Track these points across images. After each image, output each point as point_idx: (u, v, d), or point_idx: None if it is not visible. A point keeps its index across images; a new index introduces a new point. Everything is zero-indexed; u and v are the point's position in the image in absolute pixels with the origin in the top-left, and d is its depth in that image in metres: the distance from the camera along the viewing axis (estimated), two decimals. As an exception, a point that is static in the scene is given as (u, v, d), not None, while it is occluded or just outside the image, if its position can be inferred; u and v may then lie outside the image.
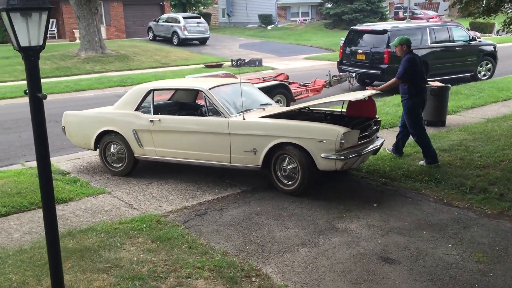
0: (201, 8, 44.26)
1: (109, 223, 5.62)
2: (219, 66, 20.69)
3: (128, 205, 6.31)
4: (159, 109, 7.45)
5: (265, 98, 7.55)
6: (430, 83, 10.44)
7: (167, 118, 7.00)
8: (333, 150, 5.91)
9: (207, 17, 42.18)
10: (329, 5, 38.90)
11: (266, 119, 6.47)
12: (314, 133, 6.02)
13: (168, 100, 8.31)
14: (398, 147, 7.70)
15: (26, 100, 11.26)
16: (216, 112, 6.65)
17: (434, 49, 14.37)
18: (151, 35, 30.60)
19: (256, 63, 21.15)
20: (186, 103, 8.24)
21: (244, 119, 6.41)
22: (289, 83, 12.90)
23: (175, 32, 28.31)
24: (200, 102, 8.26)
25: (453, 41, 14.85)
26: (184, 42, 28.19)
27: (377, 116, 6.97)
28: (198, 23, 28.70)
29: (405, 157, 7.72)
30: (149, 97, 7.20)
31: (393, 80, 7.21)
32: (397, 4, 45.47)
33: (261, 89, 11.26)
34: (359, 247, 5.01)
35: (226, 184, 6.96)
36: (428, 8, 45.48)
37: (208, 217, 5.85)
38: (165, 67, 21.29)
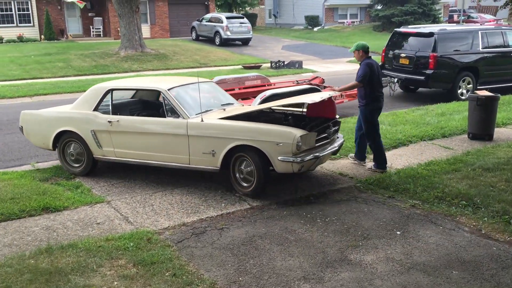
0: (248, 8, 43.80)
1: (95, 239, 5.07)
2: (257, 67, 20.07)
3: (124, 218, 5.75)
4: (118, 109, 7.20)
5: (227, 98, 7.43)
6: (477, 92, 9.41)
7: (126, 119, 6.85)
8: (290, 152, 5.86)
9: (253, 18, 41.76)
10: (379, 7, 37.53)
11: (224, 120, 6.33)
12: (271, 135, 5.95)
13: (122, 100, 7.91)
14: (360, 152, 7.58)
15: (55, 98, 10.98)
16: (175, 113, 6.51)
17: (485, 55, 13.15)
18: (194, 34, 30.38)
19: (296, 65, 20.40)
20: (146, 102, 8.01)
21: (202, 120, 6.30)
22: (324, 87, 12.13)
23: (217, 32, 27.94)
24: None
25: (508, 46, 13.57)
26: (226, 42, 27.76)
27: (337, 117, 6.94)
28: (241, 23, 28.21)
29: (442, 175, 6.81)
30: (108, 97, 7.01)
31: (353, 82, 7.15)
32: (452, 7, 43.49)
33: (290, 93, 10.59)
34: (372, 286, 4.22)
35: (235, 198, 6.30)
36: (486, 11, 43.20)
37: (205, 237, 5.20)
38: (203, 67, 20.87)
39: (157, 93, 7.72)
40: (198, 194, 6.45)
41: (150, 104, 7.98)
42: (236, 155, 6.21)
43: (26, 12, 29.35)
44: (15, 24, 29.10)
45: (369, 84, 7.00)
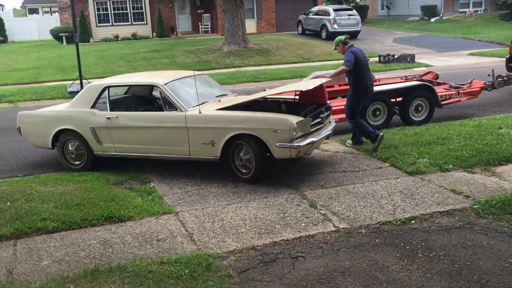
0: (358, 0, 41.86)
1: (148, 262, 4.39)
2: (364, 62, 18.64)
3: (188, 234, 5.03)
4: (116, 105, 7.36)
5: (221, 89, 7.64)
6: None
7: (124, 115, 7.00)
8: (288, 139, 6.03)
9: (364, 10, 39.79)
10: (507, -7, 33.64)
11: (222, 111, 6.48)
12: (269, 123, 6.11)
13: (118, 96, 8.09)
14: (355, 137, 7.82)
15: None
16: (172, 107, 6.62)
17: None
18: (300, 29, 29.46)
19: (407, 59, 18.62)
20: (142, 97, 8.19)
21: (200, 112, 6.44)
22: (438, 84, 10.58)
23: (324, 26, 26.74)
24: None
25: None
26: (333, 36, 26.21)
27: (328, 102, 7.16)
28: (349, 15, 26.71)
29: None
30: (105, 94, 7.13)
31: (341, 68, 7.29)
32: None
33: (396, 90, 9.27)
34: None
35: (319, 216, 5.31)
36: None
37: (275, 267, 4.29)
38: (306, 62, 19.89)
39: (154, 88, 7.69)
40: (277, 209, 5.55)
41: (147, 99, 8.19)
42: (235, 143, 6.33)
43: (140, 11, 30.52)
44: (129, 23, 30.39)
45: (354, 71, 7.18)
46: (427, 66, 17.52)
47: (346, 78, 7.76)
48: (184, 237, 4.98)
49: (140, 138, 6.87)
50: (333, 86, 10.88)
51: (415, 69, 16.98)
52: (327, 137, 6.95)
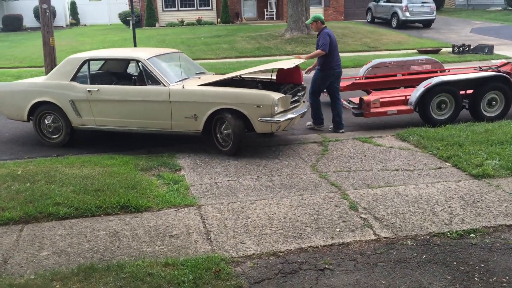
0: (435, -12, 39.40)
1: (151, 262, 3.84)
2: (435, 52, 17.22)
3: (205, 232, 4.45)
4: (96, 78, 7.43)
5: (199, 68, 7.91)
6: None
7: (106, 88, 7.01)
8: (270, 114, 6.32)
9: (440, -2, 37.43)
10: None
11: (205, 87, 6.70)
12: (252, 99, 6.38)
13: (99, 70, 8.18)
14: (335, 121, 7.90)
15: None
16: (155, 81, 6.74)
17: None
18: (369, 16, 28.03)
19: (484, 50, 17.01)
20: (124, 72, 8.31)
21: (183, 87, 6.63)
22: (516, 75, 9.33)
23: (395, 13, 25.22)
24: None
25: None
26: (404, 25, 24.90)
27: (302, 82, 7.41)
28: (423, 3, 24.98)
29: None
30: (85, 67, 7.17)
31: (317, 51, 7.56)
32: None
33: (466, 81, 8.19)
34: None
35: (358, 221, 4.55)
36: None
37: (294, 281, 3.60)
38: (371, 51, 18.71)
39: (135, 62, 7.60)
40: (311, 209, 4.85)
41: (128, 73, 8.33)
42: (216, 117, 6.57)
43: (205, -4, 30.29)
44: (195, 8, 30.24)
45: (328, 52, 7.47)
46: (506, 58, 15.89)
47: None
48: (200, 234, 4.40)
49: (121, 111, 6.90)
50: (395, 75, 9.94)
51: (493, 61, 15.44)
52: (302, 115, 7.18)
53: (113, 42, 22.29)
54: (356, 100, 8.28)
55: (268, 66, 7.49)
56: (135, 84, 7.36)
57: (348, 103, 8.41)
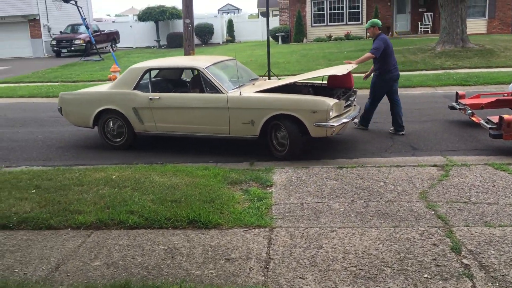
0: None
1: (191, 287, 3.40)
2: None
3: (265, 259, 3.87)
4: (157, 87, 7.71)
5: (251, 74, 8.14)
6: None
7: (167, 96, 7.31)
8: (325, 119, 6.46)
9: None
10: None
11: (262, 93, 6.91)
12: (308, 105, 6.54)
13: (159, 78, 8.36)
14: (397, 122, 8.01)
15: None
16: (213, 89, 6.96)
17: None
18: (542, 28, 24.62)
19: None
20: (175, 79, 8.55)
21: (240, 94, 6.83)
22: None
23: None
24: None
25: None
26: None
27: (353, 87, 7.60)
28: None
29: None
30: (146, 76, 7.51)
31: (367, 54, 7.82)
32: None
33: None
34: None
35: (457, 267, 3.57)
36: None
37: (344, 336, 2.85)
38: (539, 66, 16.18)
39: (194, 71, 7.81)
40: (401, 244, 3.97)
41: (182, 79, 8.63)
42: (272, 123, 6.73)
43: (356, 10, 29.51)
44: (344, 22, 29.65)
45: (383, 57, 7.68)
46: None
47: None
48: (258, 261, 3.85)
49: (181, 118, 7.19)
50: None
51: None
52: (353, 119, 7.24)
53: (258, 57, 22.76)
54: (495, 119, 6.96)
55: (322, 72, 7.73)
56: (190, 91, 7.65)
57: (486, 122, 7.12)
